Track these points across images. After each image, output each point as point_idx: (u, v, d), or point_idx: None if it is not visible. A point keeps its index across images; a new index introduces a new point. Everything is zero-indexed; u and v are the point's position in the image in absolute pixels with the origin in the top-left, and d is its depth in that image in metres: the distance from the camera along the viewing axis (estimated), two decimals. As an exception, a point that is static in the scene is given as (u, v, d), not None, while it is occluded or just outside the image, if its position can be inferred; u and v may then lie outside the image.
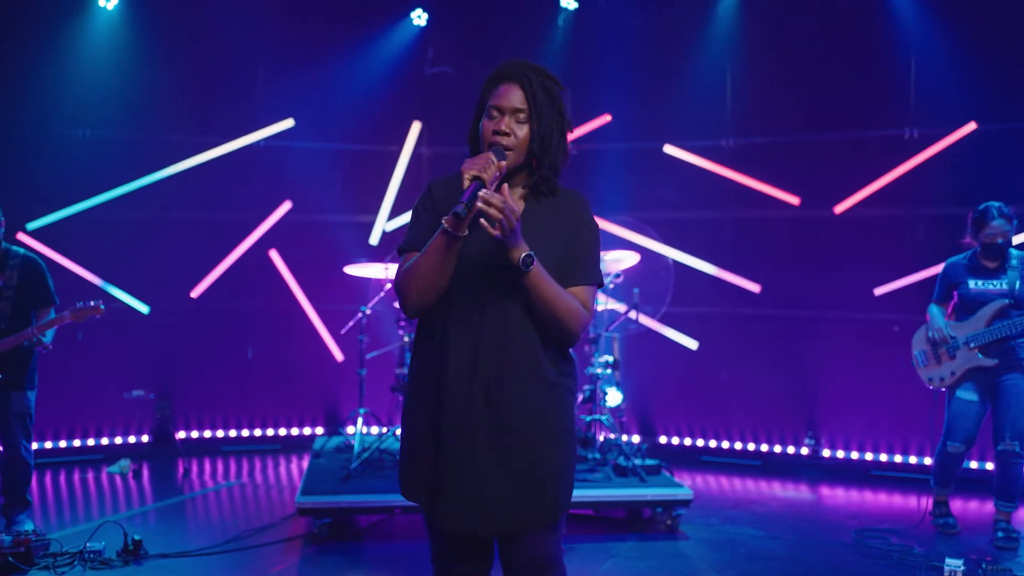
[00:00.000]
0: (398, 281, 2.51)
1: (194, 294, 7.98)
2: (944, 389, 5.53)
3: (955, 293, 5.52)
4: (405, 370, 6.30)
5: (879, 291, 7.23)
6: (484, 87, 2.56)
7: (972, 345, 5.34)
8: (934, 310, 5.62)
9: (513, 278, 2.40)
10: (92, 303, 5.18)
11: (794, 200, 7.57)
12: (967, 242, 5.52)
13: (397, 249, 2.61)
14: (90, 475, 7.11)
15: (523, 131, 2.48)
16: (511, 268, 2.37)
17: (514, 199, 2.54)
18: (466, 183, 2.31)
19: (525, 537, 2.51)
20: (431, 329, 2.53)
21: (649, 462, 6.00)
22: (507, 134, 2.46)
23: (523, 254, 2.35)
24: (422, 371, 2.55)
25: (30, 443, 5.34)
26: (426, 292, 2.44)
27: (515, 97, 2.48)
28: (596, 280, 2.58)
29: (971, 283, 5.42)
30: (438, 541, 2.61)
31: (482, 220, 2.28)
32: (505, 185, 2.35)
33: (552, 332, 2.48)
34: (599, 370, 6.22)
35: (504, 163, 2.41)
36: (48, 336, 5.23)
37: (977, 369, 5.37)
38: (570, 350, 2.63)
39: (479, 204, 2.26)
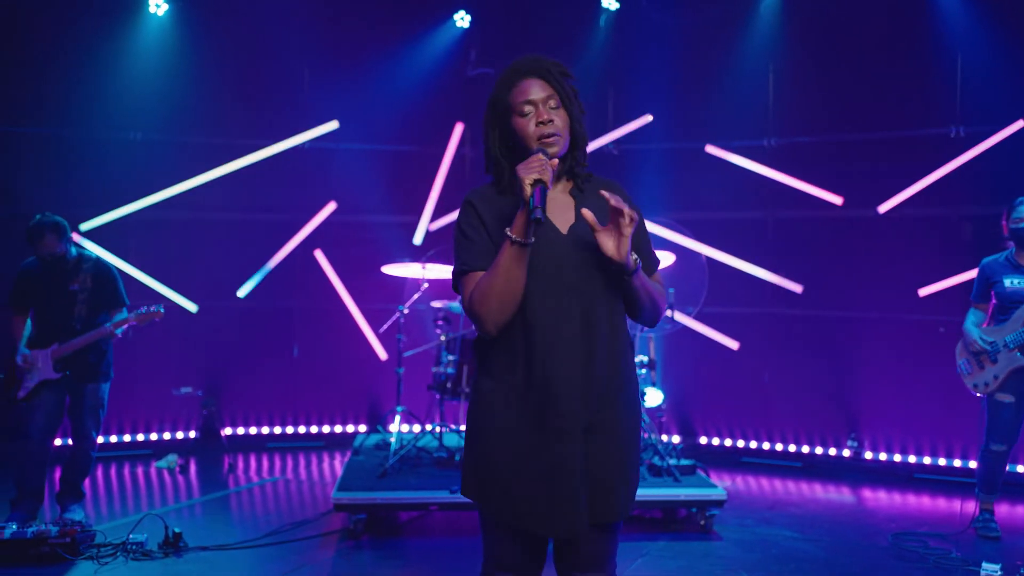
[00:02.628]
0: (472, 303, 2.43)
1: (241, 293, 8.13)
2: (989, 394, 5.48)
3: (993, 293, 5.49)
4: (442, 369, 6.36)
5: (924, 292, 7.14)
6: (500, 91, 2.52)
7: (1012, 347, 5.32)
8: (969, 322, 5.58)
9: (588, 275, 2.45)
10: (153, 308, 5.55)
11: (837, 200, 7.50)
12: (1008, 237, 5.47)
13: (453, 274, 2.54)
14: (139, 469, 7.30)
15: (561, 117, 2.47)
16: (607, 269, 2.42)
17: (560, 191, 2.57)
18: (528, 189, 2.30)
19: (588, 534, 2.49)
20: (510, 341, 2.47)
21: (684, 462, 6.00)
22: (551, 121, 2.44)
23: (634, 257, 2.41)
24: (503, 379, 2.49)
25: (98, 435, 5.62)
26: (506, 307, 2.39)
27: (541, 88, 2.47)
28: (657, 261, 2.65)
29: (1007, 281, 5.41)
30: (501, 538, 2.56)
31: (617, 216, 2.33)
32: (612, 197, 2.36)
33: (648, 318, 2.57)
34: (634, 370, 6.22)
35: (555, 160, 2.42)
36: (119, 330, 5.54)
37: (1019, 370, 5.34)
38: None
39: (618, 206, 2.31)
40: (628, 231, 2.33)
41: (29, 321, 5.59)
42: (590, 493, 2.45)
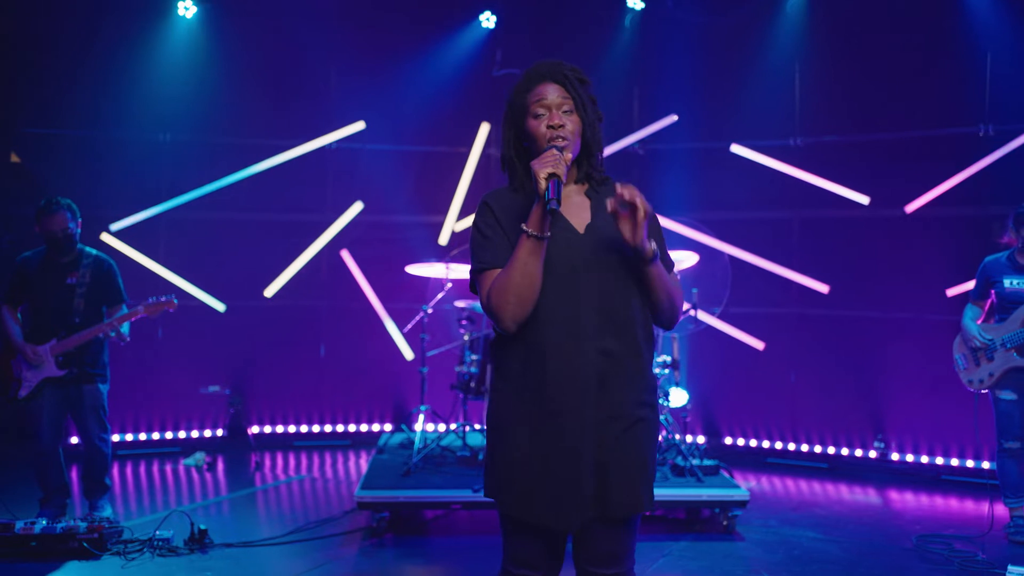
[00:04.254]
0: (490, 299, 2.47)
1: (268, 293, 8.20)
2: (985, 391, 5.55)
3: (992, 292, 5.55)
4: (466, 368, 6.39)
5: (952, 292, 7.06)
6: (517, 94, 2.59)
7: (1008, 346, 5.37)
8: (967, 317, 5.63)
9: (603, 273, 2.48)
10: (165, 297, 5.49)
11: (864, 199, 7.45)
12: (1007, 240, 5.47)
13: (471, 272, 2.59)
14: (167, 467, 7.39)
15: (573, 122, 2.52)
16: (628, 261, 2.47)
17: (575, 193, 2.60)
18: (543, 183, 2.35)
19: (603, 529, 2.53)
20: (524, 337, 2.50)
21: (708, 462, 5.99)
22: (562, 125, 2.49)
23: (652, 244, 2.44)
24: (520, 375, 2.52)
25: (106, 434, 5.57)
26: (524, 302, 2.43)
27: (556, 92, 2.53)
28: (672, 262, 2.67)
29: (1007, 281, 5.47)
30: (518, 535, 2.59)
31: (629, 207, 2.38)
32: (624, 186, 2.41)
33: (666, 317, 2.58)
34: (657, 370, 6.22)
35: (568, 155, 2.46)
36: (125, 328, 5.50)
37: (1016, 369, 5.39)
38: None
39: (631, 198, 2.36)
40: (641, 218, 2.38)
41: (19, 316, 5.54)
42: (605, 489, 2.47)
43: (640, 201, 2.37)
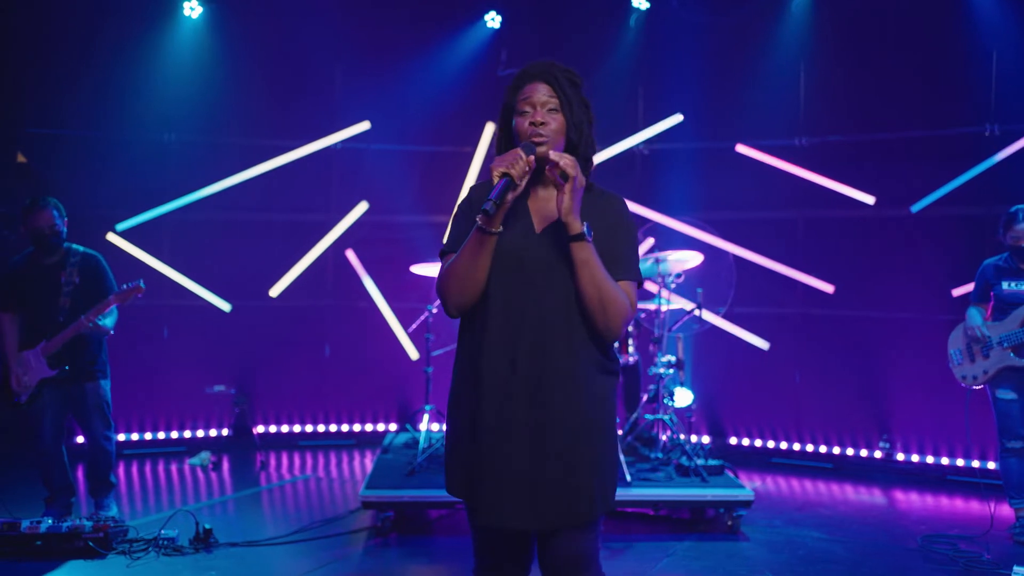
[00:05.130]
0: (439, 282, 2.58)
1: (273, 293, 8.22)
2: (977, 387, 5.58)
3: (992, 294, 5.55)
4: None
5: (957, 292, 7.04)
6: (509, 93, 2.62)
7: (1005, 345, 5.38)
8: (972, 311, 5.63)
9: (550, 273, 2.48)
10: (131, 284, 5.34)
11: (869, 199, 7.44)
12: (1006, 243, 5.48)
13: (439, 253, 2.68)
14: (173, 466, 7.41)
15: (556, 121, 2.54)
16: (563, 245, 2.47)
17: (551, 193, 2.60)
18: (495, 180, 2.39)
19: (562, 534, 2.54)
20: (472, 329, 2.58)
21: (712, 463, 5.99)
22: (543, 123, 2.51)
23: (584, 222, 2.44)
24: (464, 370, 2.60)
25: (111, 431, 5.55)
26: (465, 291, 2.51)
27: (543, 91, 2.55)
28: (637, 277, 2.62)
29: (1004, 284, 5.47)
30: (479, 537, 2.66)
31: (556, 171, 2.42)
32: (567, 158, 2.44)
33: (597, 321, 2.49)
34: (662, 370, 6.21)
35: (533, 157, 2.46)
36: (107, 322, 5.37)
37: (1011, 368, 5.40)
38: (615, 348, 2.67)
39: (559, 163, 2.41)
40: (568, 187, 2.42)
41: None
42: (542, 495, 2.47)
43: (573, 170, 2.42)
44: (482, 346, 2.51)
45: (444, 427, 2.77)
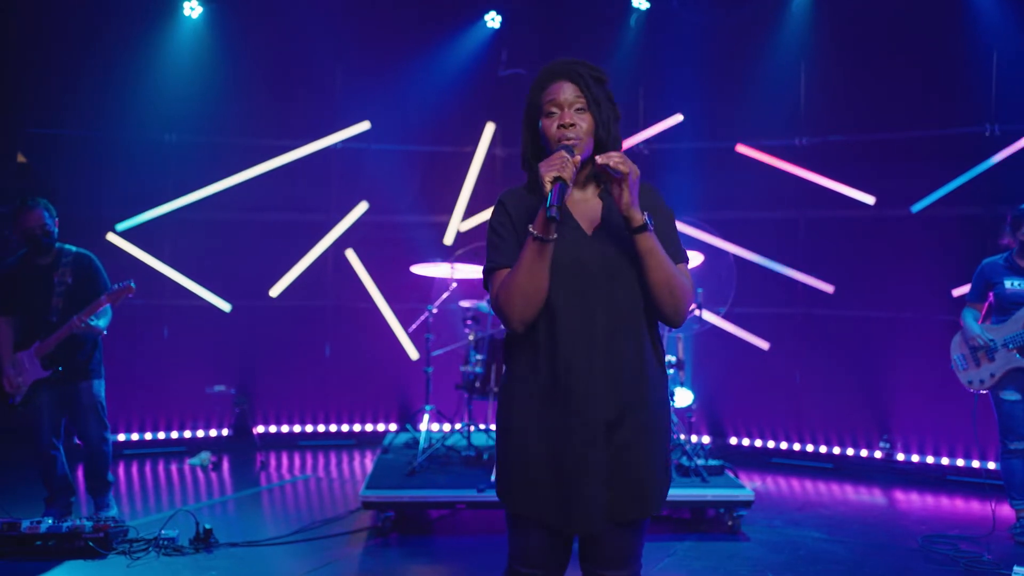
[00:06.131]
0: (498, 300, 2.48)
1: (273, 293, 8.21)
2: (984, 392, 5.54)
3: (991, 294, 5.53)
4: (471, 368, 6.39)
5: (958, 292, 7.04)
6: (532, 93, 2.58)
7: (1011, 347, 5.35)
8: (967, 317, 5.60)
9: (612, 272, 2.46)
10: (122, 284, 5.33)
11: (869, 199, 7.44)
12: (1006, 242, 5.46)
13: (484, 271, 2.60)
14: (173, 467, 7.40)
15: (586, 121, 2.49)
16: (625, 238, 2.45)
17: (590, 194, 2.60)
18: (548, 186, 2.33)
19: (614, 530, 2.52)
20: (534, 340, 2.51)
21: (712, 463, 5.99)
22: (573, 124, 2.47)
23: (645, 213, 2.42)
24: (527, 381, 2.53)
25: (107, 432, 5.53)
26: (531, 303, 2.43)
27: (569, 91, 2.50)
28: (686, 257, 2.64)
29: (1007, 283, 5.43)
30: (529, 542, 2.58)
31: (609, 168, 2.37)
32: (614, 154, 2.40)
33: (666, 306, 2.49)
34: (662, 370, 6.19)
35: (577, 158, 2.43)
36: (100, 322, 5.35)
37: (1017, 370, 5.38)
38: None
39: (610, 164, 2.36)
40: (625, 184, 2.38)
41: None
42: (615, 491, 2.46)
43: (626, 165, 2.38)
44: (556, 354, 2.46)
45: (496, 444, 2.69)
